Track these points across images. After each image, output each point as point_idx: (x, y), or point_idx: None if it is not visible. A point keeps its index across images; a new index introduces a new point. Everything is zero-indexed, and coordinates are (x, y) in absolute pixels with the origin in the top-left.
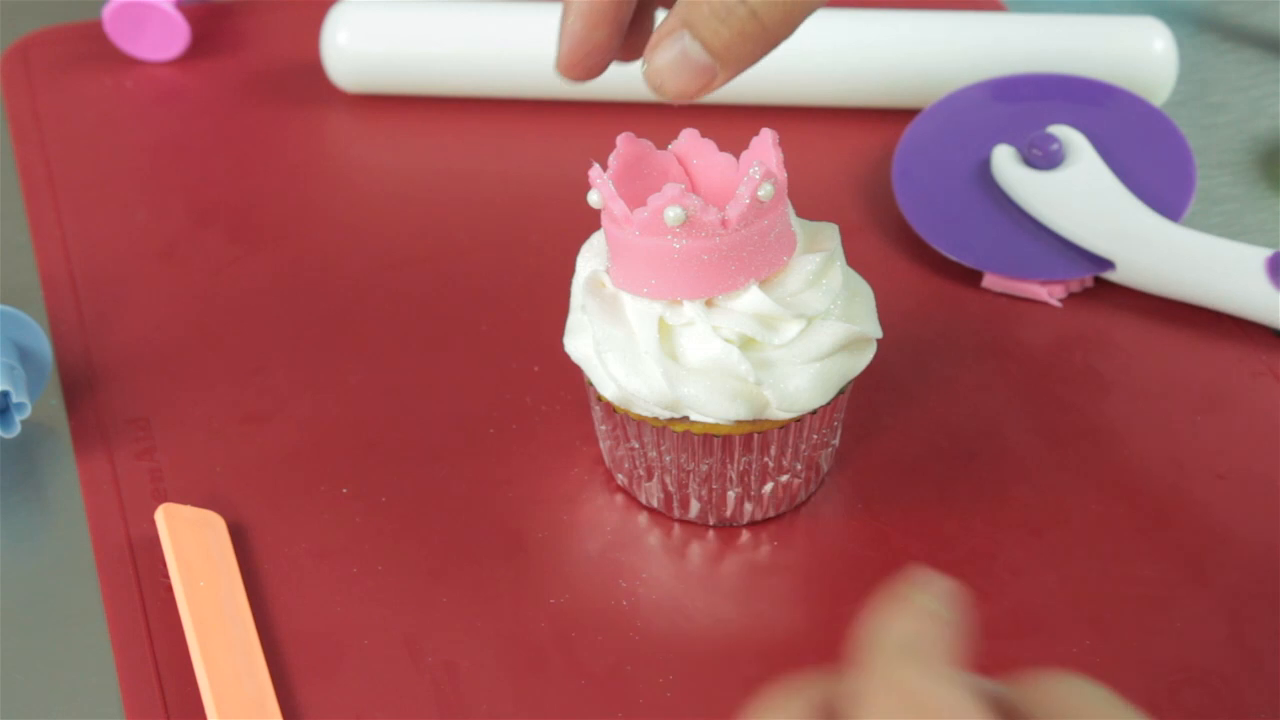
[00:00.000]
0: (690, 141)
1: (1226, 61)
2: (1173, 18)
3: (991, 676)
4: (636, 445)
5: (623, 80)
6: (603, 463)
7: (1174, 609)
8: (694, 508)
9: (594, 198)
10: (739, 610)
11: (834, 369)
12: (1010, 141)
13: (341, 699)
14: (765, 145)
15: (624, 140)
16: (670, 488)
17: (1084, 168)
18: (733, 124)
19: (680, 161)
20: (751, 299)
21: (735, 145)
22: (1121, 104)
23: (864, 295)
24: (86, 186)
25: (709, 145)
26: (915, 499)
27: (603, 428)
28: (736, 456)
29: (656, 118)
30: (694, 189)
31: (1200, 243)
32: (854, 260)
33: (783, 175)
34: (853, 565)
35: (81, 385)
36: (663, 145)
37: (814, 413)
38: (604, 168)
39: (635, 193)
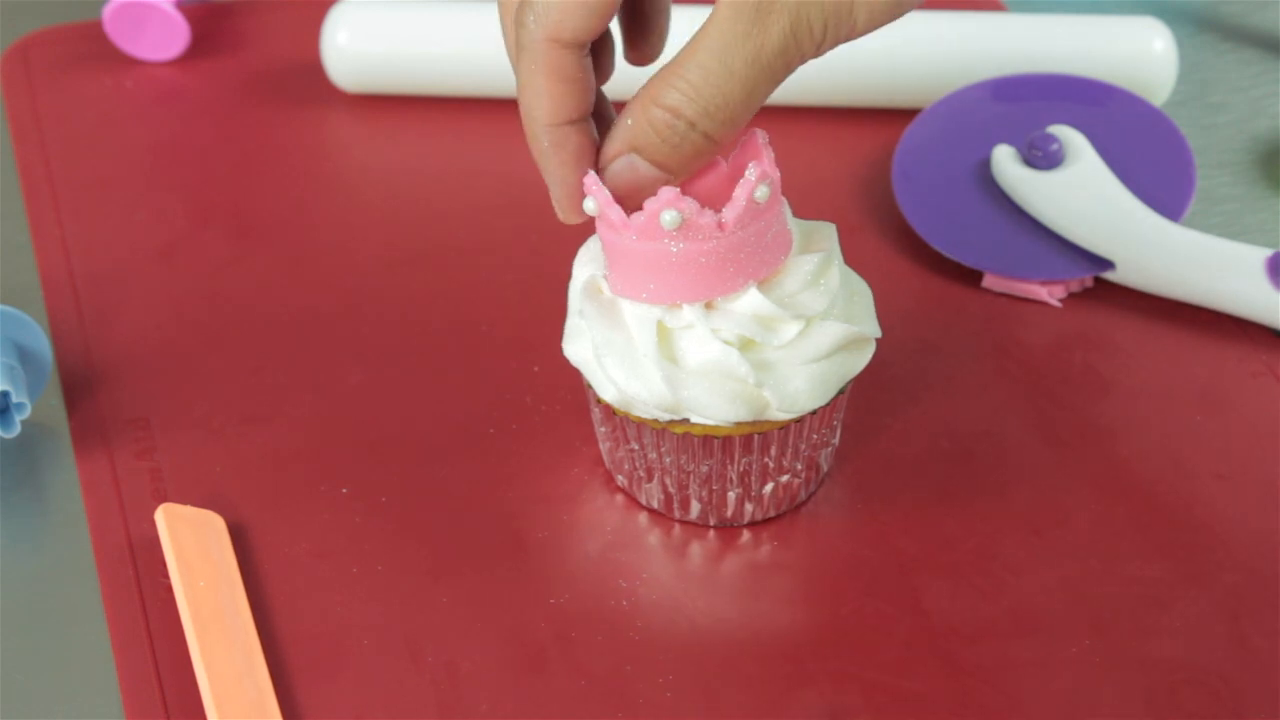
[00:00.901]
0: None
1: (1226, 61)
2: (1173, 18)
3: (991, 676)
4: (636, 447)
5: (621, 84)
6: (603, 463)
7: (1174, 609)
8: (694, 509)
9: (589, 205)
10: (739, 610)
11: (833, 369)
12: (1010, 141)
13: (341, 699)
14: (756, 146)
15: None
16: (670, 489)
17: (1084, 168)
18: None
19: None
20: (750, 300)
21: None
22: (1121, 104)
23: (863, 295)
24: (86, 186)
25: None
26: (915, 499)
27: (602, 429)
28: (736, 457)
29: None
30: (685, 192)
31: (1200, 243)
32: (854, 260)
33: (776, 175)
34: (853, 565)
35: (81, 385)
36: None
37: (814, 413)
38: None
39: None
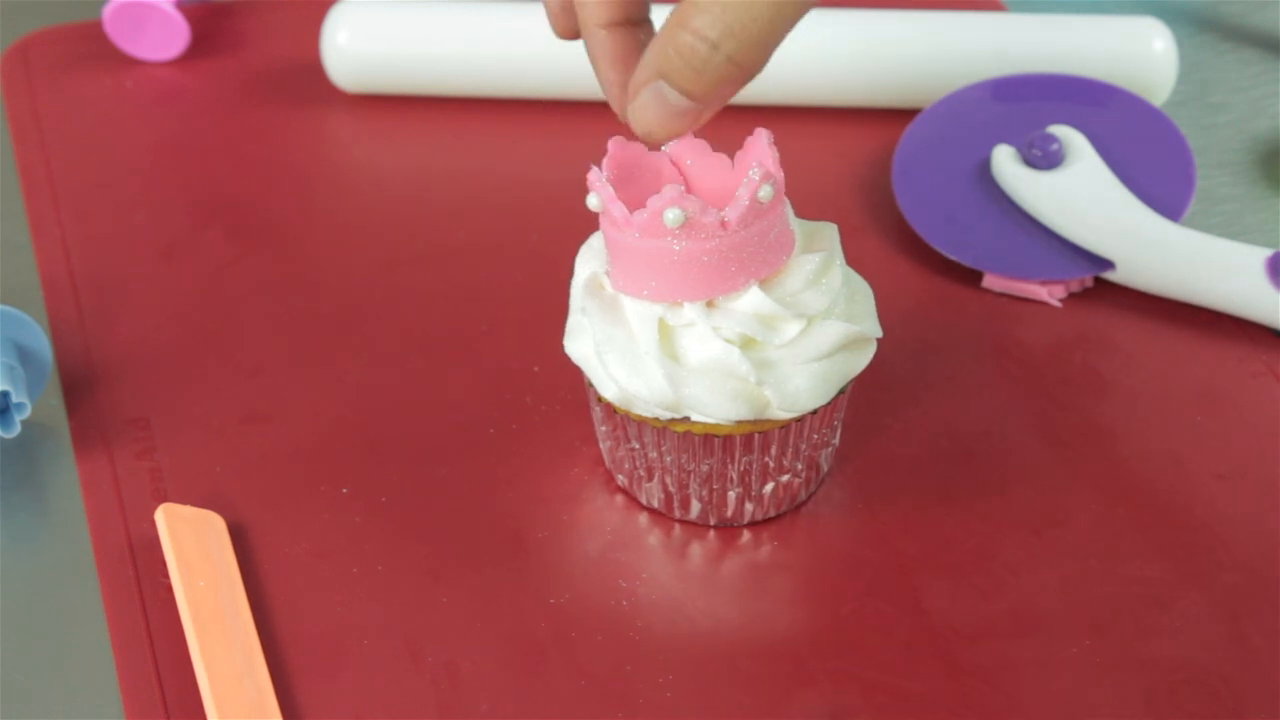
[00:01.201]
0: (684, 143)
1: (1226, 61)
2: (1173, 18)
3: (991, 676)
4: (637, 446)
5: None
6: (603, 463)
7: (1174, 609)
8: (694, 508)
9: (593, 201)
10: (739, 610)
11: (834, 369)
12: (1010, 141)
13: (341, 699)
14: (761, 145)
15: (615, 144)
16: (671, 488)
17: (1084, 168)
18: (730, 124)
19: (674, 163)
20: (752, 299)
21: (732, 145)
22: (1121, 104)
23: (864, 295)
24: (86, 186)
25: (702, 146)
26: (915, 499)
27: (603, 429)
28: (737, 456)
29: None
30: (689, 191)
31: (1200, 243)
32: (854, 260)
33: (780, 175)
34: (853, 565)
35: (81, 385)
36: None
37: (814, 412)
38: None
39: (630, 195)
